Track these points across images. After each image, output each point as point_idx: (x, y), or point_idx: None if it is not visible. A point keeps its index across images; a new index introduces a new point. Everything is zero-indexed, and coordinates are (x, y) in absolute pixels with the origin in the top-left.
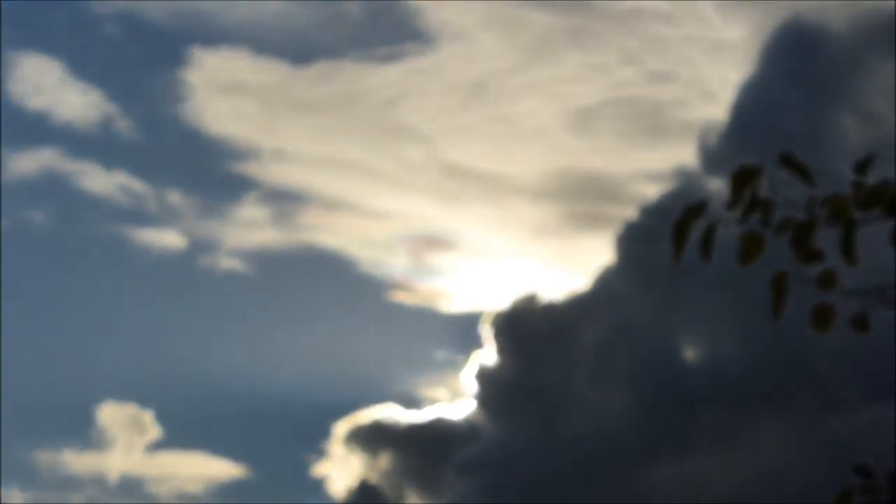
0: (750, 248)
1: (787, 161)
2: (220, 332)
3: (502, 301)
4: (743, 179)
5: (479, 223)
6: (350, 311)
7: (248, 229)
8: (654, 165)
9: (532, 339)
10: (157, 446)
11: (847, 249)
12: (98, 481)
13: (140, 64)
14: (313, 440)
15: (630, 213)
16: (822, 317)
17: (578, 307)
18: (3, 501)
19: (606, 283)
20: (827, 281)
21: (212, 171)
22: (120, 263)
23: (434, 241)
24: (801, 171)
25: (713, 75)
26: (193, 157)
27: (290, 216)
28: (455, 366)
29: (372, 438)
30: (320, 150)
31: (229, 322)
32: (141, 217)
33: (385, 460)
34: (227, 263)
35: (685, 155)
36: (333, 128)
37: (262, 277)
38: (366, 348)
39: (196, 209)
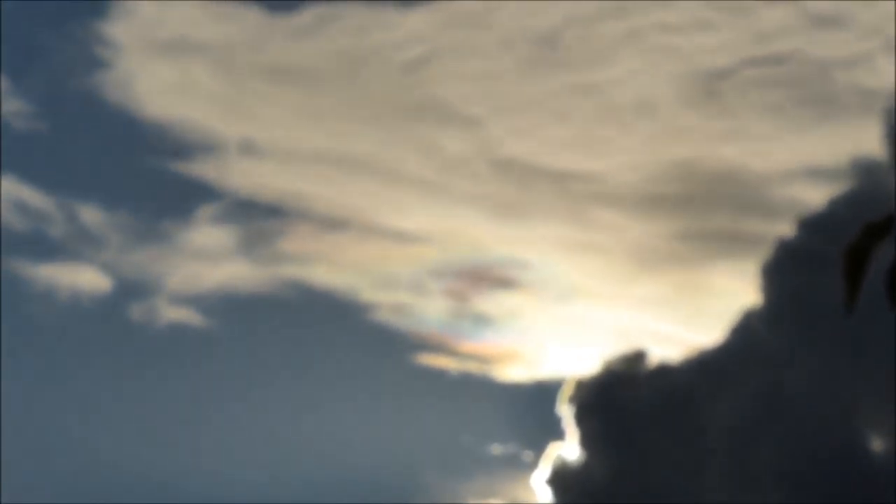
0: None
1: None
2: (160, 419)
3: (590, 364)
4: None
5: (554, 248)
6: (358, 383)
7: (204, 262)
8: (818, 156)
9: (637, 421)
10: None
11: None
12: None
13: (40, 17)
14: None
15: (783, 229)
16: None
17: (707, 372)
18: None
19: (748, 337)
20: None
21: (148, 176)
22: (10, 316)
23: (486, 276)
24: None
25: None
26: (120, 153)
27: (268, 240)
28: (518, 466)
29: None
30: (311, 141)
31: (174, 403)
32: (43, 245)
33: None
34: (173, 314)
35: (864, 139)
36: (330, 106)
37: (224, 334)
38: (382, 440)
39: (125, 233)
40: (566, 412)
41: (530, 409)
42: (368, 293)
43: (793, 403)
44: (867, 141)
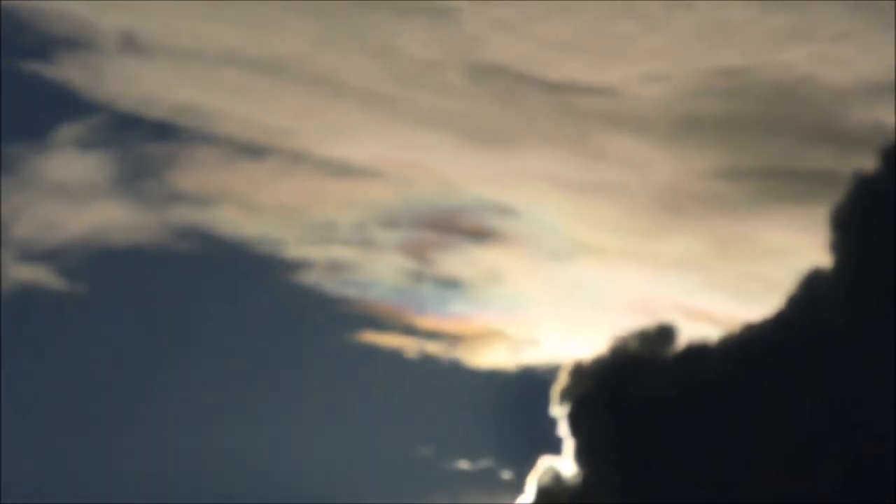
0: None
1: None
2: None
3: (596, 345)
4: None
5: (550, 188)
6: (280, 369)
7: (66, 201)
8: None
9: (657, 423)
10: None
11: None
12: None
13: None
14: None
15: (862, 162)
16: None
17: (755, 357)
18: None
19: (812, 309)
20: None
21: None
22: None
23: (456, 225)
24: None
25: None
26: None
27: (155, 172)
28: (494, 487)
29: None
30: (217, 36)
31: (17, 396)
32: None
33: None
34: (20, 273)
35: None
36: None
37: (91, 302)
38: (309, 448)
39: None
40: (562, 410)
41: (513, 407)
42: (295, 247)
43: (872, 401)
44: None
